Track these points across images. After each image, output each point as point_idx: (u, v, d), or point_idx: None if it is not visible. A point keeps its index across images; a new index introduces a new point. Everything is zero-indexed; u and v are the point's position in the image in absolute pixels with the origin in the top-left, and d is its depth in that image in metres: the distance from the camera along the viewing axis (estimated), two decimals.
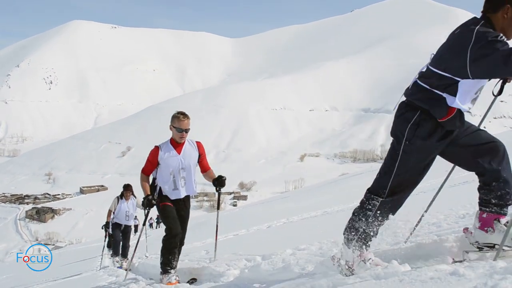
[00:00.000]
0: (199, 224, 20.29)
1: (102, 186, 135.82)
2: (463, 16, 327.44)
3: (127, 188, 10.67)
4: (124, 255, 10.87)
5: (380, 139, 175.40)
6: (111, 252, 14.80)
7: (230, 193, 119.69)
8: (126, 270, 9.00)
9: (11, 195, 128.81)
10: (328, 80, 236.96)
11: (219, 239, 9.87)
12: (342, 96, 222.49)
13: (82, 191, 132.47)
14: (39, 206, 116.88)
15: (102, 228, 11.72)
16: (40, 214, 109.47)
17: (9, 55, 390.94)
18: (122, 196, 10.64)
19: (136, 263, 9.32)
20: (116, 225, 10.85)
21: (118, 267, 10.34)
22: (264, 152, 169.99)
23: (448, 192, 8.99)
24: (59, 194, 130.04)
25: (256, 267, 4.67)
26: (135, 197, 10.84)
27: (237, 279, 4.67)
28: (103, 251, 17.04)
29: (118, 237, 11.02)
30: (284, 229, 9.45)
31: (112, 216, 10.80)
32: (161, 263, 5.31)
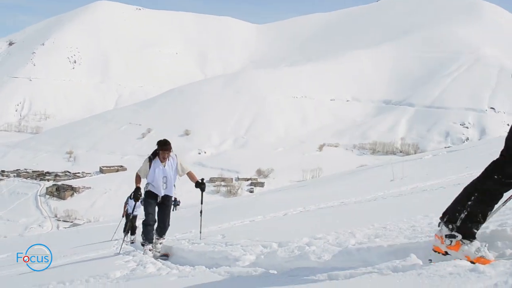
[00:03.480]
0: (216, 209, 20.41)
1: (121, 166, 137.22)
2: (490, 9, 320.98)
3: (165, 146, 7.54)
4: (162, 233, 7.79)
5: (400, 131, 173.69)
6: (129, 237, 14.52)
7: (248, 179, 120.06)
8: (159, 254, 7.62)
9: (32, 171, 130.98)
10: (351, 70, 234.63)
11: (236, 224, 9.86)
12: (364, 87, 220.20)
13: (101, 171, 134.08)
14: (59, 183, 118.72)
15: (130, 201, 7.52)
16: (60, 191, 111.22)
17: (35, 33, 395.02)
18: (155, 155, 7.65)
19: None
20: (150, 195, 7.68)
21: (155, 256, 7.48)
22: (282, 140, 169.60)
23: None
24: (79, 173, 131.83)
25: (272, 253, 4.68)
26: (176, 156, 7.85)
27: (253, 264, 4.69)
28: (115, 232, 16.22)
29: (148, 217, 7.70)
30: (300, 218, 9.44)
31: (145, 184, 7.78)
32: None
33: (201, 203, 8.75)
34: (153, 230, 7.78)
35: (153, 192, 7.65)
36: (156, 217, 7.78)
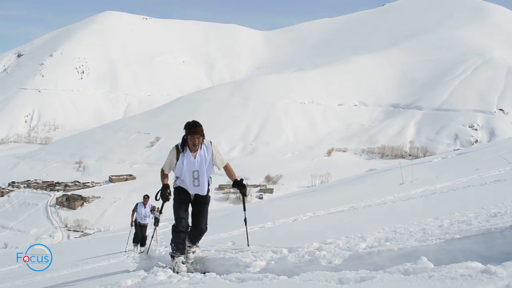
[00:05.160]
0: (226, 216, 20.42)
1: (131, 175, 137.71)
2: (497, 11, 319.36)
3: (194, 129, 5.85)
4: (195, 239, 6.37)
5: (409, 135, 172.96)
6: (139, 249, 14.06)
7: (256, 186, 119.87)
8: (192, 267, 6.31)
9: (42, 182, 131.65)
10: (358, 74, 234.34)
11: (248, 230, 9.83)
12: (371, 91, 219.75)
13: (111, 180, 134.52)
14: (69, 193, 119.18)
15: (158, 199, 5.88)
16: (70, 201, 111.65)
17: (43, 45, 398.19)
18: (184, 144, 6.00)
19: (163, 252, 9.32)
20: (181, 192, 6.15)
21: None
22: (291, 145, 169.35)
23: (479, 190, 8.84)
24: (88, 182, 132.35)
25: (283, 259, 4.68)
26: (210, 142, 6.15)
27: (264, 270, 4.69)
28: (127, 243, 14.91)
29: (180, 222, 6.07)
30: (310, 223, 9.42)
31: (175, 178, 6.20)
32: None
33: (244, 210, 6.78)
34: (186, 237, 6.20)
35: (185, 189, 6.11)
36: (190, 219, 6.29)
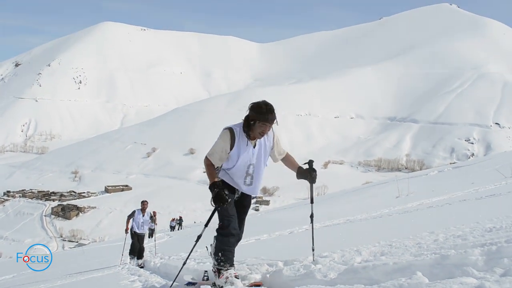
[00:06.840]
0: None
1: (127, 186, 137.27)
2: (493, 25, 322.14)
3: (270, 116, 4.38)
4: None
5: (405, 148, 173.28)
6: (136, 262, 13.21)
7: (252, 198, 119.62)
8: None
9: (38, 192, 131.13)
10: (354, 87, 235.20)
11: (241, 243, 9.80)
12: (368, 103, 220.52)
13: (106, 190, 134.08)
14: (64, 203, 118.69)
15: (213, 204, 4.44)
16: (65, 211, 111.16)
17: (41, 55, 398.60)
18: (247, 128, 4.60)
19: (158, 264, 9.26)
20: (226, 187, 4.77)
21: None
22: None
23: (474, 205, 8.85)
24: (84, 192, 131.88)
25: (278, 272, 4.66)
26: None
27: None
28: (122, 254, 13.76)
29: (229, 221, 4.65)
30: (306, 236, 9.39)
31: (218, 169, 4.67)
32: None
33: (311, 202, 5.33)
34: (236, 243, 4.73)
35: (229, 184, 4.60)
36: None
